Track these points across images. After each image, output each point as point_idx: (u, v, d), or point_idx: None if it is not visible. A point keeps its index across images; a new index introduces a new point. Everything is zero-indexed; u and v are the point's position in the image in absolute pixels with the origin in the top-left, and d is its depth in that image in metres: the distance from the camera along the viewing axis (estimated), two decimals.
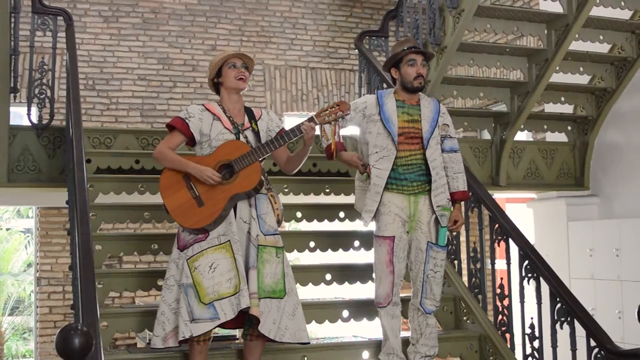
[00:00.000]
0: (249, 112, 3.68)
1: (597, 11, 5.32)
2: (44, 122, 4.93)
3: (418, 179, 3.80)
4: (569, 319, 3.73)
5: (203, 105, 3.62)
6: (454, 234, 4.42)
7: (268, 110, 3.80)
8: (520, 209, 7.41)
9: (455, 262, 4.57)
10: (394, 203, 3.79)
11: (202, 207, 3.40)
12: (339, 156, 3.86)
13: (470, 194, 4.25)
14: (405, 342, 3.95)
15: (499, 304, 4.21)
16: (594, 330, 3.56)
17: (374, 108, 3.86)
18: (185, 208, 3.41)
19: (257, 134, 3.61)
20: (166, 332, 3.39)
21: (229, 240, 3.40)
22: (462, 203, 4.04)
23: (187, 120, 3.52)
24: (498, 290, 4.21)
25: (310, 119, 3.53)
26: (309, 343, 3.56)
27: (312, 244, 4.61)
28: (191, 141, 3.57)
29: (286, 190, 4.98)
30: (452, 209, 3.86)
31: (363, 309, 4.27)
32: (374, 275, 3.95)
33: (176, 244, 3.48)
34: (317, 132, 3.61)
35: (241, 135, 3.55)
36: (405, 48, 3.85)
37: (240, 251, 3.41)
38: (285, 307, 3.45)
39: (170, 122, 3.58)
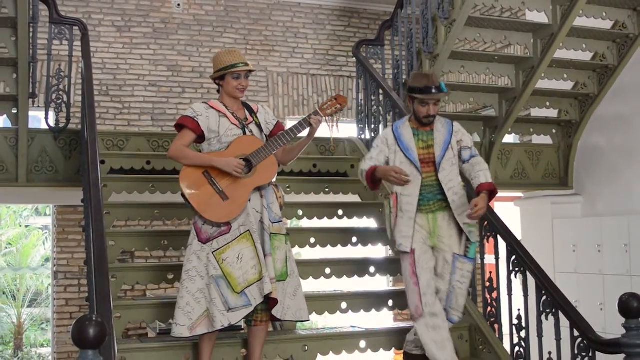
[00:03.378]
0: (247, 107, 3.64)
1: (580, 21, 5.32)
2: (61, 125, 4.93)
3: (435, 197, 3.69)
4: (553, 310, 3.72)
5: (206, 103, 3.55)
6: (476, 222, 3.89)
7: (262, 104, 3.77)
8: (508, 207, 7.41)
9: None
10: (416, 220, 3.67)
11: (227, 202, 3.37)
12: (376, 171, 3.69)
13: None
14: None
15: (488, 296, 4.20)
16: (577, 321, 3.56)
17: (392, 140, 3.77)
18: (211, 203, 3.36)
19: (259, 127, 3.59)
20: (193, 321, 3.33)
21: (248, 230, 3.40)
22: (487, 193, 3.64)
23: (196, 119, 3.45)
24: (487, 284, 4.21)
25: (316, 113, 3.55)
26: (308, 320, 3.57)
27: (312, 240, 4.61)
28: (199, 138, 3.50)
29: (288, 189, 4.98)
30: (471, 222, 3.66)
31: (360, 301, 4.27)
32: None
33: (196, 237, 3.40)
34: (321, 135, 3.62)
35: (247, 130, 3.52)
36: (422, 89, 3.64)
37: (259, 240, 3.41)
38: (287, 288, 3.47)
39: (179, 121, 3.50)
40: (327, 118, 3.58)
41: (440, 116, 3.82)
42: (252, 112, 3.62)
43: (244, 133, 3.50)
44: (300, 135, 3.60)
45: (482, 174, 3.69)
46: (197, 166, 3.42)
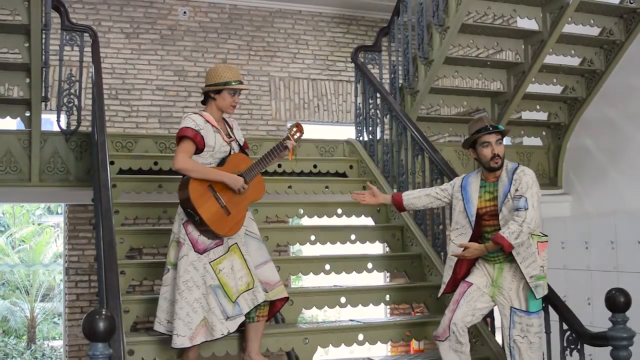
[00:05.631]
0: (226, 123, 3.61)
1: (569, 28, 5.33)
2: (72, 128, 4.94)
3: (500, 249, 3.43)
4: (543, 305, 3.72)
5: (201, 116, 3.45)
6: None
7: (233, 119, 3.74)
8: None
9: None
10: (485, 265, 3.58)
11: (230, 216, 3.38)
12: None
13: None
14: None
15: None
16: (566, 315, 3.57)
17: (458, 187, 3.67)
18: (217, 217, 3.34)
19: (238, 144, 3.60)
20: (192, 330, 3.27)
21: (236, 243, 3.43)
22: (496, 244, 3.39)
23: (200, 132, 3.37)
24: None
25: (288, 138, 3.60)
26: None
27: (312, 238, 4.61)
28: (197, 150, 3.40)
29: (290, 189, 4.98)
30: (540, 274, 3.41)
31: (359, 295, 4.27)
32: None
33: (192, 247, 3.32)
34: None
35: (231, 148, 3.51)
36: (478, 130, 3.51)
37: (247, 252, 3.45)
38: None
39: (183, 132, 3.35)
40: (293, 142, 3.65)
41: (508, 161, 3.61)
42: (230, 128, 3.61)
43: (230, 150, 3.50)
44: None
45: (508, 226, 3.37)
46: (204, 180, 3.37)
